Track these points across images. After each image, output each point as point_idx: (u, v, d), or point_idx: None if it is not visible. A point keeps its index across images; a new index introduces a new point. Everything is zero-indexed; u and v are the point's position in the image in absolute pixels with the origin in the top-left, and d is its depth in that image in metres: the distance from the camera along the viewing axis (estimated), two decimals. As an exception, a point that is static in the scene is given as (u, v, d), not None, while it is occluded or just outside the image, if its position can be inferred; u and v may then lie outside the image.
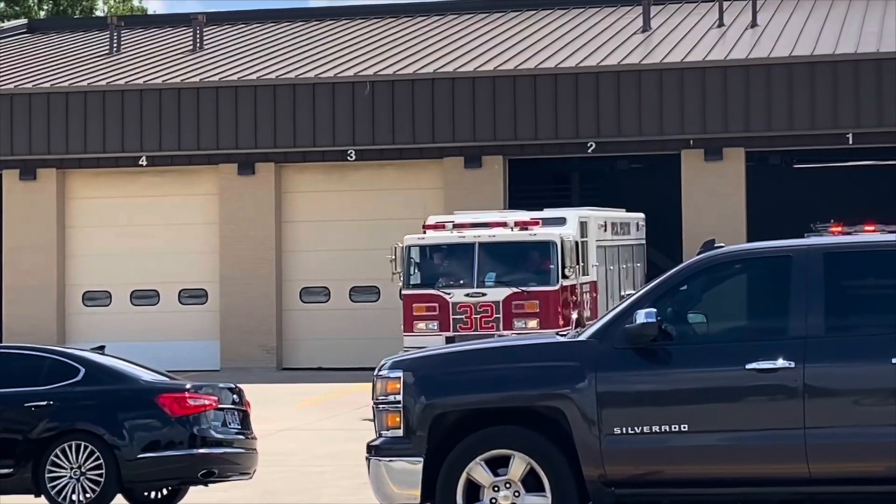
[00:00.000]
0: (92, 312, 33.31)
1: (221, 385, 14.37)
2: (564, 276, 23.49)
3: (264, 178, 32.52)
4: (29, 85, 33.95)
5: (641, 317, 10.43)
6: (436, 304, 23.24)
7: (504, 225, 23.65)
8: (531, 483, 10.63)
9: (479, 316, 23.03)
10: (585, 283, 24.93)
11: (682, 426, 10.40)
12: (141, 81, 33.44)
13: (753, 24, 34.40)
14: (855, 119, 30.27)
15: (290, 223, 32.51)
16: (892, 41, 31.58)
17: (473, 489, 10.71)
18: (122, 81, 33.60)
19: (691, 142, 30.98)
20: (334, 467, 16.90)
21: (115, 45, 37.47)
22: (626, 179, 34.10)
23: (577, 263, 24.16)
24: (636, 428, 10.46)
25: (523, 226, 23.60)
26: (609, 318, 10.79)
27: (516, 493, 10.63)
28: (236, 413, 14.16)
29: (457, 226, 23.81)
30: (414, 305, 23.39)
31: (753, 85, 30.57)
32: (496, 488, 10.65)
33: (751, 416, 10.37)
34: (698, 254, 11.09)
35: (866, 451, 10.22)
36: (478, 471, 10.65)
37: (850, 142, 30.58)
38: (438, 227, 24.00)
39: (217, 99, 32.50)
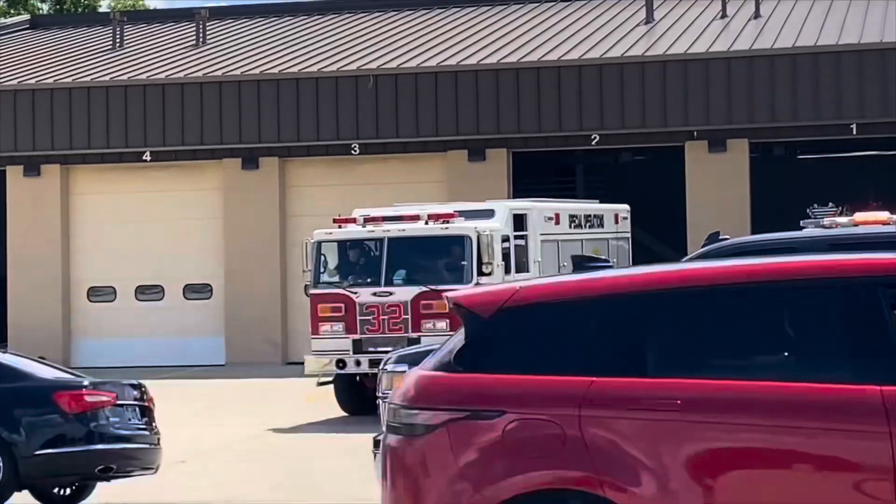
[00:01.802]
0: (97, 308, 33.32)
1: (124, 382, 14.50)
2: (482, 274, 21.53)
3: (268, 173, 32.52)
4: (32, 81, 33.95)
5: None
6: (342, 305, 21.63)
7: (417, 219, 21.97)
8: None
9: (386, 317, 21.41)
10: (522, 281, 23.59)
11: None
12: (144, 77, 33.44)
13: (756, 15, 34.37)
14: (859, 109, 30.24)
15: (294, 217, 32.50)
16: (895, 31, 31.54)
17: None
18: (125, 77, 33.60)
19: (695, 133, 30.96)
20: (343, 461, 16.90)
21: (117, 40, 37.46)
22: (630, 171, 34.08)
23: (504, 259, 22.41)
24: None
25: (438, 219, 21.89)
26: None
27: None
28: (137, 409, 14.23)
29: (368, 220, 22.16)
30: (319, 306, 21.81)
31: (757, 76, 30.55)
32: None
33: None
34: (703, 246, 11.08)
35: None
36: None
37: (854, 132, 30.56)
38: (349, 221, 22.40)
39: (220, 94, 32.50)
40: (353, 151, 32.12)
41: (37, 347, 32.76)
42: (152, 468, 14.34)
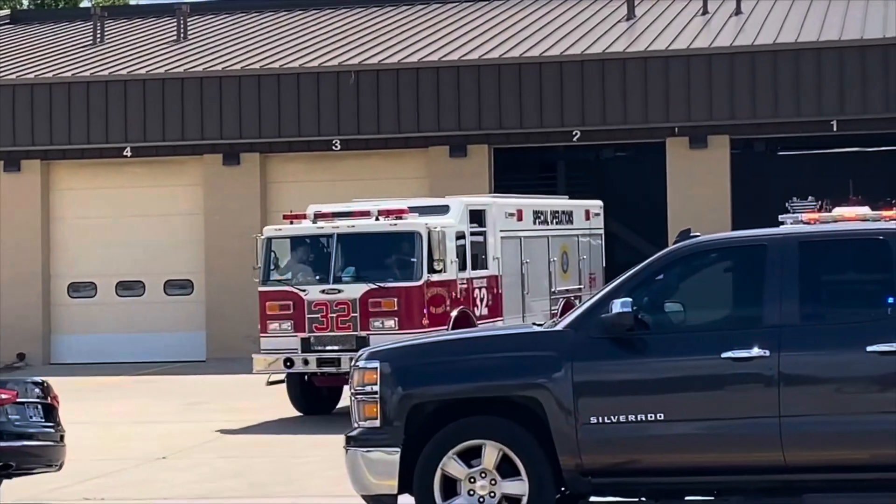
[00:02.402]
0: (77, 304, 33.26)
1: (27, 379, 14.42)
2: (434, 271, 21.12)
3: (249, 169, 32.49)
4: (12, 76, 33.86)
5: (617, 306, 10.46)
6: (290, 303, 21.17)
7: (368, 215, 21.51)
8: (507, 470, 10.65)
9: (335, 315, 20.93)
10: (480, 278, 22.74)
11: (658, 415, 10.44)
12: (125, 72, 33.37)
13: (737, 11, 34.43)
14: (839, 106, 30.32)
15: (275, 213, 32.42)
16: (875, 28, 31.64)
17: (450, 483, 10.72)
18: (106, 72, 33.53)
19: (676, 129, 31.00)
20: (321, 458, 16.90)
21: (98, 35, 37.38)
22: (612, 168, 34.13)
23: (459, 256, 22.00)
24: (612, 417, 10.48)
25: (389, 215, 21.42)
26: (585, 308, 10.83)
27: (493, 482, 10.65)
28: (40, 407, 14.17)
29: (318, 215, 21.72)
30: (268, 304, 21.37)
31: (738, 72, 30.61)
32: (472, 479, 10.68)
33: (726, 404, 10.40)
34: (674, 243, 11.15)
35: (840, 440, 10.25)
36: (451, 465, 10.69)
37: (835, 129, 30.63)
38: (299, 217, 22.06)
39: (201, 89, 32.45)
40: (334, 147, 32.10)
41: (16, 343, 32.73)
42: (55, 465, 14.26)
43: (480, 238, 23.08)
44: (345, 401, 20.81)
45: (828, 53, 30.41)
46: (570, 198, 27.94)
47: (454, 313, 21.58)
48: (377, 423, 10.74)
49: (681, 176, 30.93)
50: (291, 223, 22.02)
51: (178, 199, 32.90)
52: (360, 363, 10.92)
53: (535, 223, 24.98)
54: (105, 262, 32.95)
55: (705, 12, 34.73)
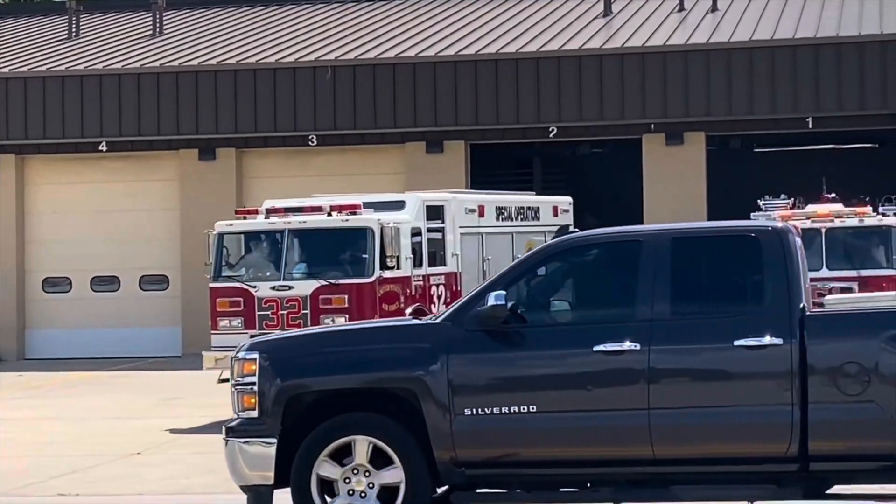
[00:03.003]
0: (52, 299, 33.16)
1: None
2: (387, 267, 20.85)
3: (225, 164, 32.43)
4: (-13, 70, 33.74)
5: (492, 299, 10.55)
6: (240, 299, 21.00)
7: (320, 210, 21.22)
8: (381, 462, 10.69)
9: (285, 312, 20.68)
10: (438, 275, 22.56)
11: (530, 407, 10.49)
12: (100, 66, 33.27)
13: (714, 8, 34.51)
14: (815, 103, 30.42)
15: (251, 209, 32.43)
16: (851, 25, 31.75)
17: (328, 484, 10.75)
18: (81, 66, 33.43)
19: (652, 126, 31.06)
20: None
21: (74, 30, 37.26)
22: (588, 164, 34.17)
23: (415, 253, 21.78)
24: (486, 409, 10.53)
25: (341, 211, 21.15)
26: (463, 302, 10.92)
27: (367, 474, 10.69)
28: None
29: (270, 211, 21.44)
30: (218, 300, 21.29)
31: (714, 69, 30.68)
32: (347, 479, 10.72)
33: (598, 397, 10.47)
34: (553, 238, 11.31)
35: (706, 432, 10.34)
36: (325, 467, 10.73)
37: (810, 126, 30.73)
38: (252, 212, 21.81)
39: (177, 84, 32.38)
40: (310, 143, 32.07)
41: (-9, 338, 32.61)
42: None
43: (439, 234, 22.87)
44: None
45: (803, 51, 30.51)
46: (547, 194, 27.93)
47: (409, 310, 21.27)
48: (255, 414, 10.81)
49: (657, 172, 30.99)
50: (245, 218, 21.81)
51: (153, 195, 32.83)
52: (240, 354, 11.01)
53: (497, 219, 24.75)
54: (80, 258, 32.86)
55: (682, 9, 34.79)
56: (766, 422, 10.20)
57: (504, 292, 10.56)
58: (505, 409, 10.51)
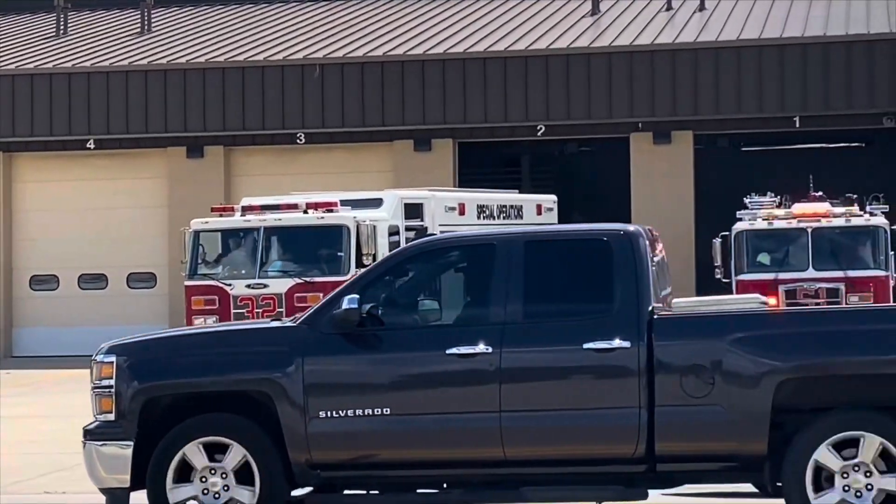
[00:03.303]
0: (39, 296, 33.13)
1: None
2: (363, 265, 20.55)
3: (213, 162, 32.42)
4: (-25, 67, 33.70)
5: (346, 303, 10.58)
6: (216, 297, 20.91)
7: (296, 207, 21.19)
8: (243, 475, 10.67)
9: (261, 309, 20.59)
10: None
11: (384, 410, 10.52)
12: (88, 64, 33.24)
13: (701, 8, 34.56)
14: (802, 103, 30.48)
15: (239, 207, 32.42)
16: (838, 25, 31.82)
17: (186, 472, 10.73)
18: (69, 64, 33.39)
19: (640, 125, 31.10)
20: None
21: (62, 27, 37.22)
22: (576, 162, 34.19)
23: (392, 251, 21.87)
24: (341, 412, 10.55)
25: (317, 208, 21.12)
26: (320, 305, 10.94)
27: (226, 488, 10.70)
28: None
29: (246, 208, 21.42)
30: (193, 298, 21.14)
31: (701, 68, 30.73)
32: (207, 475, 10.70)
33: (451, 399, 10.52)
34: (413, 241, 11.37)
35: (555, 434, 10.42)
36: (193, 452, 10.69)
37: (798, 125, 30.79)
38: (227, 210, 21.79)
39: (165, 82, 32.36)
40: (298, 141, 32.06)
41: (-22, 336, 32.58)
42: None
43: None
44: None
45: (791, 50, 30.57)
46: (536, 193, 27.95)
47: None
48: (112, 416, 10.80)
49: (644, 171, 31.03)
50: (221, 216, 21.69)
51: (141, 193, 32.81)
52: (98, 357, 11.00)
53: (479, 217, 24.69)
54: (68, 255, 32.83)
55: (669, 8, 34.84)
56: (614, 424, 10.29)
57: (357, 296, 10.58)
58: (359, 412, 10.52)
